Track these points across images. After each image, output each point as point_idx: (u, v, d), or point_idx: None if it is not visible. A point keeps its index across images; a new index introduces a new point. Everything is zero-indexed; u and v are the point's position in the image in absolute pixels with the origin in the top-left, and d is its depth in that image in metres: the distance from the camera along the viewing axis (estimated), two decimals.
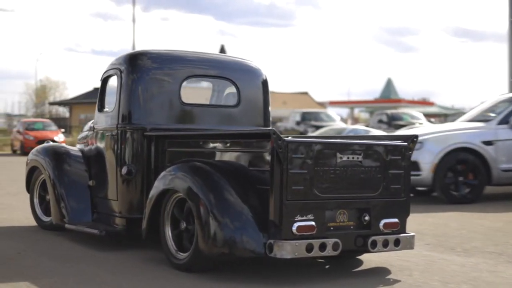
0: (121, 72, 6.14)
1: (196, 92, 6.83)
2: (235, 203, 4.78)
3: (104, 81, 6.59)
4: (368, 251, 5.06)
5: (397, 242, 5.08)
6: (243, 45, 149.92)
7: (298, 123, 31.13)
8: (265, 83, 6.69)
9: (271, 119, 6.73)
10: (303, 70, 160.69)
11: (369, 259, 5.60)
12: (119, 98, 6.12)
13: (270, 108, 6.73)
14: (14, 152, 29.75)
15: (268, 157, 4.74)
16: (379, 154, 5.09)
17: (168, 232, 5.28)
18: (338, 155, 4.87)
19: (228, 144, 5.34)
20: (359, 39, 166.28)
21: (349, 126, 25.56)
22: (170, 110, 6.18)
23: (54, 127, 30.91)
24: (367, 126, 25.71)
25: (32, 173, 7.39)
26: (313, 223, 4.70)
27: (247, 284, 4.72)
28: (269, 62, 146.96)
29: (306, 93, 74.67)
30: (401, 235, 5.14)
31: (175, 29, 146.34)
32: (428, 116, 33.52)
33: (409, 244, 5.20)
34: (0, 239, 6.45)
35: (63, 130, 33.83)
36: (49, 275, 4.91)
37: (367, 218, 5.01)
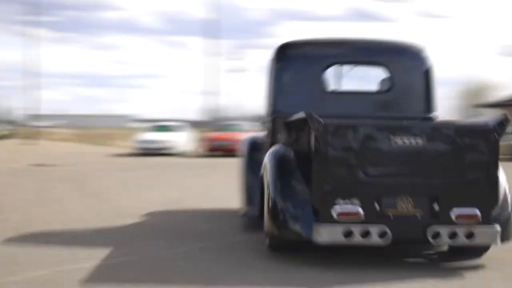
0: (271, 62, 6.48)
1: (343, 78, 6.75)
2: (295, 188, 4.87)
3: (267, 71, 6.94)
4: (437, 243, 4.62)
5: (470, 235, 4.53)
6: None
7: None
8: (425, 65, 6.29)
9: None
10: None
11: None
12: (268, 87, 6.46)
13: (434, 92, 6.30)
14: None
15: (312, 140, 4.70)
16: (448, 137, 4.59)
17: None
18: (392, 138, 4.57)
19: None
20: None
21: None
22: (314, 97, 6.27)
23: None
24: None
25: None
26: (359, 208, 4.52)
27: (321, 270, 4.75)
28: None
29: None
30: (477, 227, 4.56)
31: None
32: None
33: (489, 238, 4.57)
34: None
35: None
36: None
37: (435, 207, 4.58)
